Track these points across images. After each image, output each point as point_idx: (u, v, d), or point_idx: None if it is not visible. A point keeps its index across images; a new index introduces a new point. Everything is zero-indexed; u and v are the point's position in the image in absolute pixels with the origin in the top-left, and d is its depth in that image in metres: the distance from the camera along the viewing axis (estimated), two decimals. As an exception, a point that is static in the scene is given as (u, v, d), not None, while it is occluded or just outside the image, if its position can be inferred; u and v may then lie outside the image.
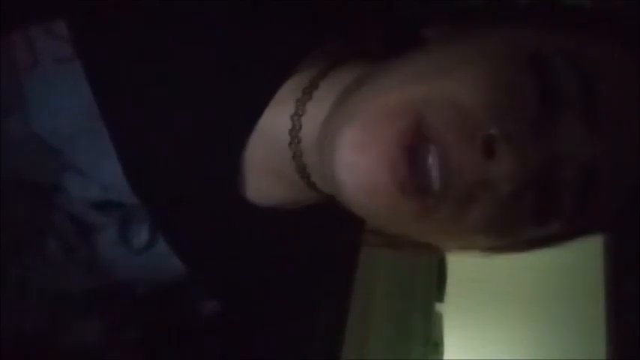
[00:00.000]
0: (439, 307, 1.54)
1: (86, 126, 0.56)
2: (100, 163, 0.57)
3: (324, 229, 0.58)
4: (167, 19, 0.57)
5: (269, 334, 0.64)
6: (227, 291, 0.62)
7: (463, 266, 1.48)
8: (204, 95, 0.57)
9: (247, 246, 0.60)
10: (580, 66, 0.50)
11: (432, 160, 0.48)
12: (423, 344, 1.57)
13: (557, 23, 0.53)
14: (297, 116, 0.56)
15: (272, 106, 0.57)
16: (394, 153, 0.48)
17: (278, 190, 0.59)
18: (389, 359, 1.45)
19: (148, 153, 0.57)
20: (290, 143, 0.55)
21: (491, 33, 0.52)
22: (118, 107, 0.56)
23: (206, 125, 0.57)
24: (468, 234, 0.52)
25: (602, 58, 0.51)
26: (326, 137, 0.51)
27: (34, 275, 0.58)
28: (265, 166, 0.57)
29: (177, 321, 0.61)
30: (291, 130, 0.55)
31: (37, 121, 0.56)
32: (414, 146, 0.48)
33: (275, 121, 0.56)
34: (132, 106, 0.57)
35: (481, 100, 0.48)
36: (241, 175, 0.58)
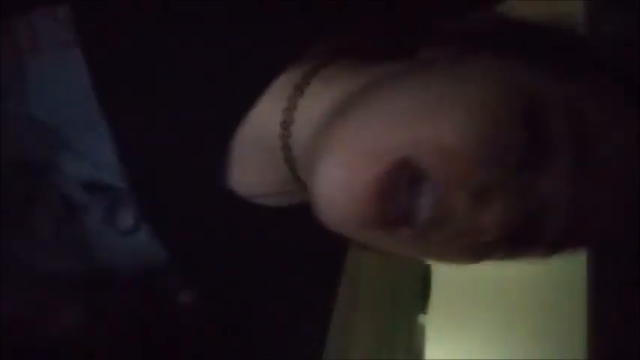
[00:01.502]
0: (422, 318, 1.54)
1: (84, 108, 0.57)
2: (94, 143, 0.57)
3: (309, 227, 0.58)
4: (167, 11, 0.57)
5: (247, 328, 0.64)
6: (205, 281, 0.62)
7: (447, 278, 1.48)
8: (198, 85, 0.57)
9: (229, 237, 0.61)
10: (573, 117, 0.50)
11: (424, 199, 0.49)
12: (404, 355, 1.57)
13: (556, 67, 0.53)
14: (288, 111, 0.56)
15: (264, 99, 0.57)
16: (366, 197, 0.49)
17: (263, 182, 0.59)
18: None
19: (141, 137, 0.57)
20: (281, 135, 0.56)
21: (489, 68, 0.52)
22: (114, 93, 0.57)
23: (198, 114, 0.58)
24: (448, 259, 0.53)
25: (596, 111, 0.52)
26: (312, 156, 0.52)
27: (19, 251, 0.58)
28: (253, 156, 0.58)
29: (152, 309, 0.61)
30: (282, 123, 0.56)
31: (36, 101, 0.56)
32: (400, 178, 0.48)
33: (266, 113, 0.56)
34: (128, 92, 0.57)
35: (471, 146, 0.48)
36: (229, 164, 0.58)
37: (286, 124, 0.56)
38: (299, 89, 0.56)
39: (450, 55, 0.54)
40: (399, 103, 0.51)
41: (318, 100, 0.54)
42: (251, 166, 0.58)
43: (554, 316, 1.46)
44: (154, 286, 0.60)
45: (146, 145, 0.57)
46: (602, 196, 0.51)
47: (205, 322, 0.62)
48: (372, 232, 0.50)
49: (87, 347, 0.60)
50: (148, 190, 0.58)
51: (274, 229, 0.60)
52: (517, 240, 0.51)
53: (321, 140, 0.52)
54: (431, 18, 0.60)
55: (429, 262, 0.59)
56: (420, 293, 1.53)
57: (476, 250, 0.51)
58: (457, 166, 0.48)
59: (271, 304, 0.64)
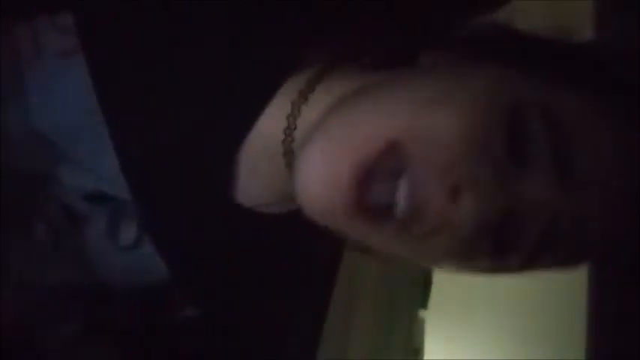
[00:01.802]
0: (422, 313, 1.54)
1: (86, 119, 0.56)
2: (97, 154, 0.57)
3: (307, 234, 0.58)
4: (170, 18, 0.57)
5: (248, 339, 0.64)
6: (208, 298, 0.62)
7: (447, 274, 1.48)
8: (203, 94, 0.57)
9: (233, 250, 0.61)
10: (556, 120, 0.51)
11: (402, 188, 0.49)
12: (403, 350, 1.57)
13: (545, 76, 0.53)
14: (292, 117, 0.56)
15: (269, 108, 0.57)
16: (346, 183, 0.49)
17: (267, 191, 0.59)
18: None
19: (145, 148, 0.57)
20: (283, 141, 0.56)
21: (479, 69, 0.53)
22: (117, 103, 0.56)
23: (203, 125, 0.57)
24: (430, 259, 0.54)
25: (581, 116, 0.52)
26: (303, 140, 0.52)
27: (17, 262, 0.58)
28: (257, 166, 0.58)
29: (153, 324, 0.61)
30: (285, 129, 0.56)
31: (36, 111, 0.56)
32: (383, 167, 0.49)
33: (270, 121, 0.56)
34: (131, 102, 0.57)
35: (456, 139, 0.49)
36: (234, 175, 0.58)
37: (289, 130, 0.56)
38: (303, 96, 0.56)
39: (449, 61, 0.54)
40: (392, 98, 0.52)
41: (320, 106, 0.54)
42: (256, 176, 0.58)
43: (554, 311, 1.46)
44: (154, 301, 0.61)
45: (149, 157, 0.57)
46: (581, 204, 0.51)
47: (207, 336, 0.63)
48: (356, 223, 0.50)
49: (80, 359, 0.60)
50: (151, 202, 0.58)
51: (279, 239, 0.60)
52: (497, 244, 0.51)
53: (312, 133, 0.52)
54: (431, 24, 0.61)
55: (423, 264, 0.60)
56: (421, 288, 1.53)
57: (459, 252, 0.51)
58: (439, 156, 0.49)
59: (271, 312, 0.64)
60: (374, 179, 0.49)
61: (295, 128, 0.56)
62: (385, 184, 0.49)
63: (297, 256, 0.62)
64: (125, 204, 0.57)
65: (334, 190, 0.49)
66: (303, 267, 0.63)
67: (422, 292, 1.52)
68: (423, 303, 1.52)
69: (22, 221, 0.58)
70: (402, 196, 0.49)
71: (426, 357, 1.58)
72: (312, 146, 0.51)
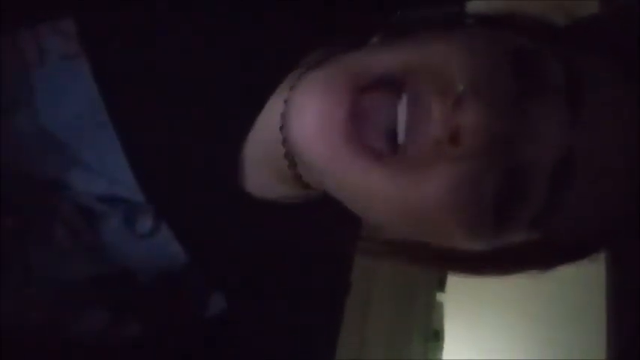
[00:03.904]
0: (440, 296, 1.54)
1: (93, 121, 0.57)
2: (106, 157, 0.57)
3: (323, 225, 0.58)
4: (172, 17, 0.57)
5: (266, 327, 0.64)
6: (228, 281, 0.62)
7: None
8: (207, 90, 0.58)
9: (247, 238, 0.61)
10: (565, 64, 0.49)
11: (400, 109, 0.47)
12: (423, 333, 1.57)
13: (542, 34, 0.52)
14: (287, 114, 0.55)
15: (271, 100, 0.57)
16: (342, 90, 0.46)
17: (276, 185, 0.59)
18: (388, 348, 1.45)
19: (153, 148, 0.57)
20: (283, 141, 0.55)
21: (477, 29, 0.52)
22: (123, 103, 0.57)
23: (209, 119, 0.58)
24: (427, 207, 0.49)
25: (586, 65, 0.51)
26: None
27: (39, 263, 0.59)
28: (264, 160, 0.58)
29: (179, 313, 0.62)
30: (281, 128, 0.55)
31: (45, 116, 0.57)
32: (375, 99, 0.47)
33: (272, 115, 0.56)
34: (137, 101, 0.57)
35: (459, 61, 0.47)
36: (242, 168, 0.58)
37: (286, 130, 0.54)
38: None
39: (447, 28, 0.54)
40: (386, 46, 0.51)
41: None
42: (262, 169, 0.58)
43: (573, 293, 1.45)
44: (174, 288, 0.61)
45: (159, 154, 0.57)
46: (598, 138, 0.49)
47: (235, 327, 0.63)
48: (356, 162, 0.47)
49: (113, 348, 0.61)
50: (164, 198, 0.58)
51: (289, 226, 0.60)
52: (502, 187, 0.48)
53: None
54: (428, 9, 0.60)
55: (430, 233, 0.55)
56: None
57: (457, 185, 0.47)
58: (442, 78, 0.46)
59: (286, 300, 0.64)
60: (370, 106, 0.47)
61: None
62: (383, 114, 0.47)
63: (313, 244, 0.62)
64: (139, 204, 0.58)
65: (330, 120, 0.47)
66: (319, 254, 0.63)
67: (439, 275, 1.52)
68: (441, 286, 1.52)
69: (39, 223, 0.58)
70: (400, 115, 0.46)
71: (446, 339, 1.58)
72: (304, 88, 0.49)
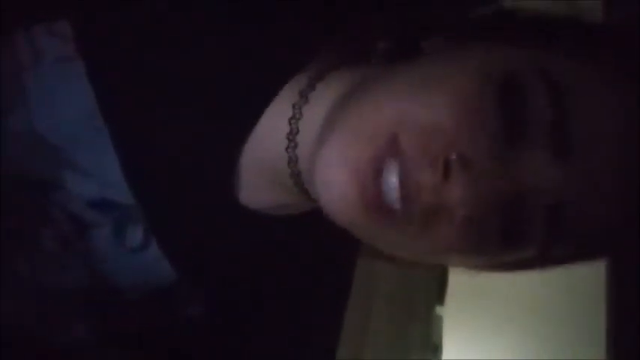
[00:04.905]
0: (439, 309, 1.53)
1: (87, 124, 0.56)
2: (100, 161, 0.57)
3: (320, 237, 0.58)
4: (169, 21, 0.57)
5: (260, 339, 0.64)
6: (214, 298, 0.62)
7: (464, 269, 1.47)
8: (203, 97, 0.57)
9: (239, 252, 0.61)
10: (555, 93, 0.50)
11: (394, 179, 0.50)
12: (422, 346, 1.57)
13: (542, 40, 0.53)
14: (294, 120, 0.56)
15: (270, 109, 0.57)
16: (364, 175, 0.49)
17: (272, 195, 0.59)
18: (388, 361, 1.45)
19: (147, 153, 0.57)
20: (287, 148, 0.56)
21: (473, 48, 0.53)
22: (118, 107, 0.56)
23: (205, 127, 0.57)
24: (437, 253, 0.54)
25: (580, 83, 0.51)
26: (314, 152, 0.52)
27: (26, 269, 0.58)
28: (261, 170, 0.58)
29: (161, 324, 0.62)
30: (288, 134, 0.56)
31: (39, 119, 0.56)
32: (382, 167, 0.49)
33: (272, 124, 0.56)
34: (132, 106, 0.57)
35: (448, 123, 0.49)
36: (237, 178, 0.58)
37: (292, 135, 0.55)
38: (304, 96, 0.56)
39: (449, 47, 0.54)
40: (390, 87, 0.52)
41: (323, 105, 0.54)
42: (259, 180, 0.58)
43: (573, 305, 1.45)
44: (163, 300, 0.61)
45: (152, 161, 0.57)
46: (583, 184, 0.50)
47: (214, 334, 0.63)
48: (373, 219, 0.50)
49: (94, 359, 0.60)
50: (156, 206, 0.58)
51: (284, 240, 0.60)
52: (506, 234, 0.50)
53: (320, 133, 0.52)
54: (431, 13, 0.60)
55: (437, 262, 0.59)
56: (437, 284, 1.52)
57: (464, 240, 0.51)
58: (429, 141, 0.49)
59: (281, 313, 0.64)
60: (381, 174, 0.49)
61: (298, 132, 0.56)
62: (387, 179, 0.49)
63: (309, 255, 0.62)
64: (130, 209, 0.58)
65: (354, 178, 0.49)
66: (315, 268, 0.63)
67: (438, 288, 1.51)
68: (440, 299, 1.51)
69: (28, 228, 0.58)
70: (392, 187, 0.49)
71: (445, 353, 1.57)
72: (327, 142, 0.51)
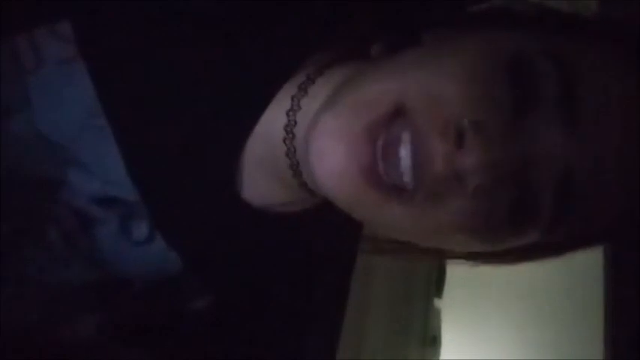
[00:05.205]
0: (437, 302, 1.54)
1: (90, 124, 0.57)
2: (103, 159, 0.57)
3: (321, 232, 0.58)
4: (169, 19, 0.57)
5: (263, 331, 0.64)
6: (221, 288, 0.62)
7: (462, 262, 1.48)
8: (205, 94, 0.58)
9: (242, 245, 0.61)
10: (562, 67, 0.50)
11: (404, 151, 0.48)
12: (420, 338, 1.57)
13: (543, 26, 0.53)
14: (292, 112, 0.56)
15: (271, 105, 0.57)
16: (362, 142, 0.48)
17: (273, 191, 0.59)
18: (386, 353, 1.45)
19: (150, 150, 0.57)
20: (284, 139, 0.56)
21: (476, 34, 0.53)
22: (120, 106, 0.57)
23: (206, 124, 0.58)
24: (444, 231, 0.51)
25: (585, 61, 0.51)
26: (308, 128, 0.52)
27: (33, 267, 0.59)
28: (261, 163, 0.58)
29: (168, 315, 0.62)
30: (286, 126, 0.56)
31: (42, 119, 0.57)
32: (388, 140, 0.48)
33: (271, 117, 0.56)
34: (134, 104, 0.57)
35: (456, 91, 0.48)
36: (239, 175, 0.58)
37: (289, 127, 0.55)
38: (303, 89, 0.56)
39: (450, 35, 0.54)
40: (392, 66, 0.52)
41: (321, 96, 0.54)
42: (260, 176, 0.58)
43: (571, 300, 1.45)
44: (169, 293, 0.61)
45: (155, 158, 0.57)
46: (596, 147, 0.50)
47: (220, 327, 0.63)
48: (371, 196, 0.49)
49: (104, 353, 0.61)
50: (160, 202, 0.58)
51: (285, 236, 0.60)
52: (513, 209, 0.49)
53: (318, 110, 0.52)
54: (431, 3, 0.61)
55: (440, 246, 0.57)
56: (436, 277, 1.53)
57: (474, 214, 0.49)
58: (440, 110, 0.48)
59: (284, 307, 0.64)
60: (385, 149, 0.48)
61: (295, 124, 0.56)
62: (394, 153, 0.48)
63: (310, 252, 0.62)
64: (134, 205, 0.58)
65: (350, 154, 0.48)
66: (316, 263, 0.63)
67: (436, 281, 1.52)
68: (438, 292, 1.52)
69: (34, 226, 0.58)
70: (404, 157, 0.48)
71: (443, 345, 1.58)
72: (323, 119, 0.50)
